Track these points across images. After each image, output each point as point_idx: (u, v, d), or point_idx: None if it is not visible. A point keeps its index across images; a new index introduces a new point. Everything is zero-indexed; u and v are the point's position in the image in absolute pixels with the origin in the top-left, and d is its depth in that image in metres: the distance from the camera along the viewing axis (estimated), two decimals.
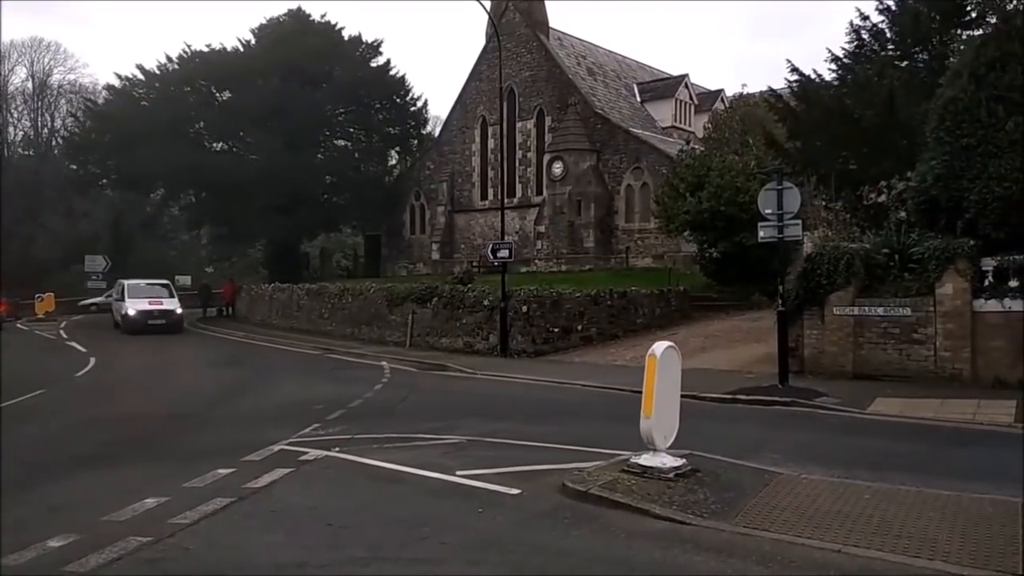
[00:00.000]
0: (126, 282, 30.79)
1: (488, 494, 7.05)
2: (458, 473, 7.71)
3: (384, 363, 18.97)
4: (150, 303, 28.96)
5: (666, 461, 7.30)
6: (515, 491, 7.07)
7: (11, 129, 61.78)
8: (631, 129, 35.63)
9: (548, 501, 6.79)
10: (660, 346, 7.44)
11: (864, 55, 18.31)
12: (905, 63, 17.75)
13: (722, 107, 38.68)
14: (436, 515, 6.45)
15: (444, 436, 9.84)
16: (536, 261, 35.34)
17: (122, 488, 7.43)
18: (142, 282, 31.58)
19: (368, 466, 8.22)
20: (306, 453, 8.84)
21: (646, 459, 7.34)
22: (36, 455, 9.32)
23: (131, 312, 28.10)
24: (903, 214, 15.76)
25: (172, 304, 29.65)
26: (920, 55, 17.69)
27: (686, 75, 42.37)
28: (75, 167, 46.09)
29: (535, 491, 7.09)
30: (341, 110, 45.30)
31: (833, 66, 18.77)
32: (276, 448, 9.14)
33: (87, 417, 12.04)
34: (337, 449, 9.03)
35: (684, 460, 7.48)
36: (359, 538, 5.89)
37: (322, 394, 13.76)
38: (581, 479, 7.17)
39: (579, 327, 20.82)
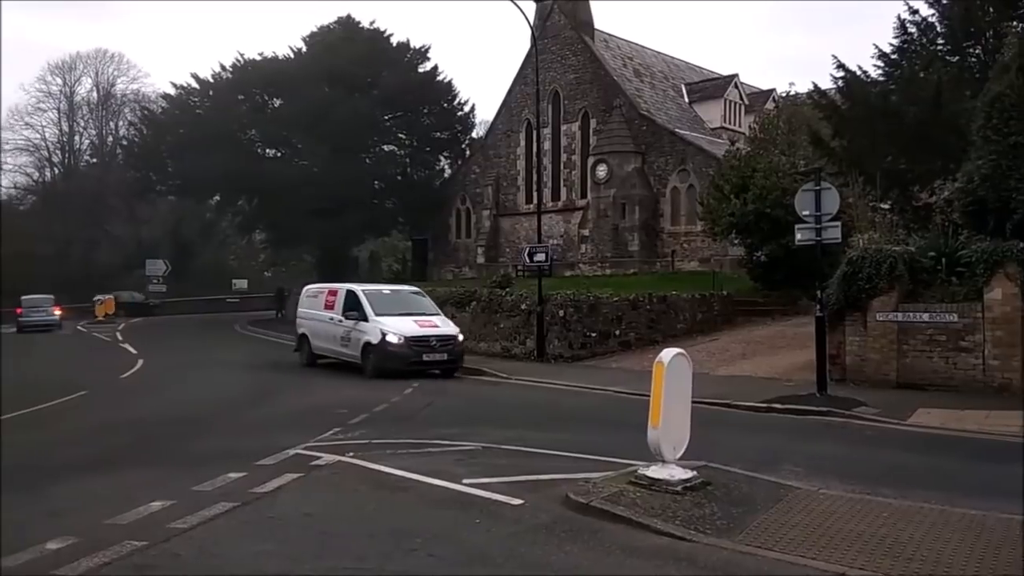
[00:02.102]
0: (359, 288, 18.52)
1: (490, 504, 6.90)
2: (464, 481, 7.57)
3: None
4: (419, 324, 17.07)
5: (675, 473, 7.05)
6: (517, 501, 6.90)
7: (77, 138, 64.24)
8: (677, 130, 35.09)
9: (549, 513, 6.60)
10: (668, 353, 7.20)
11: (912, 51, 17.60)
12: (956, 58, 16.98)
13: (772, 107, 37.77)
14: (433, 525, 6.33)
15: (460, 442, 9.72)
16: (580, 265, 35.07)
17: (133, 491, 7.50)
18: (384, 288, 20.12)
19: (377, 472, 8.15)
20: (319, 458, 8.81)
21: (654, 471, 7.10)
22: (60, 457, 9.51)
23: (392, 339, 16.49)
24: (955, 216, 15.09)
25: (449, 326, 17.75)
26: (972, 49, 16.90)
27: (736, 75, 41.59)
28: (136, 174, 47.58)
29: (538, 502, 6.91)
30: (389, 115, 45.73)
31: (879, 63, 18.10)
32: (291, 452, 9.14)
33: (118, 418, 12.30)
34: (351, 454, 8.99)
35: (695, 472, 7.21)
36: (348, 548, 5.80)
37: (350, 398, 13.79)
38: (585, 490, 6.96)
39: (617, 332, 20.51)
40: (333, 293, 18.94)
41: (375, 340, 16.74)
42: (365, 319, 17.26)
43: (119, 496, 7.32)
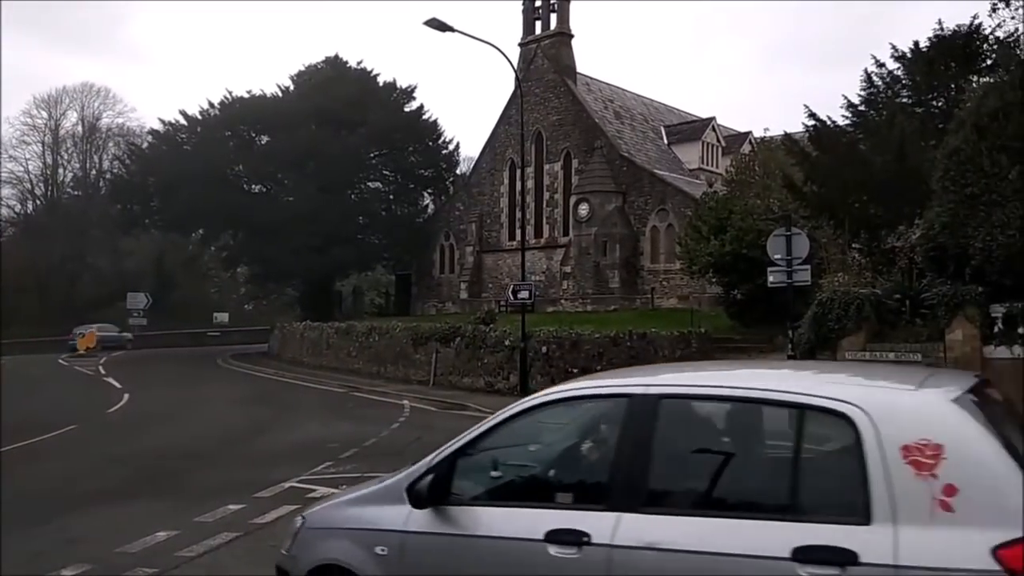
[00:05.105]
0: None
1: None
2: None
3: (405, 402, 19.36)
4: None
5: None
6: None
7: (61, 170, 64.35)
8: (656, 171, 36.04)
9: None
10: None
11: (879, 102, 18.55)
12: (920, 110, 17.93)
13: (748, 149, 38.95)
14: None
15: None
16: (563, 301, 35.64)
17: (138, 522, 7.88)
18: None
19: None
20: (314, 491, 9.22)
21: None
22: (61, 489, 9.82)
23: None
24: (919, 260, 15.83)
25: None
26: (935, 102, 17.86)
27: (713, 118, 42.83)
28: (120, 207, 47.72)
29: None
30: (375, 153, 46.48)
31: (848, 113, 19.05)
32: (286, 485, 9.55)
33: (113, 453, 12.57)
34: (343, 487, 9.36)
35: None
36: None
37: (339, 432, 14.18)
38: None
39: (598, 368, 20.93)
40: None
41: None
42: None
43: (126, 526, 7.71)
